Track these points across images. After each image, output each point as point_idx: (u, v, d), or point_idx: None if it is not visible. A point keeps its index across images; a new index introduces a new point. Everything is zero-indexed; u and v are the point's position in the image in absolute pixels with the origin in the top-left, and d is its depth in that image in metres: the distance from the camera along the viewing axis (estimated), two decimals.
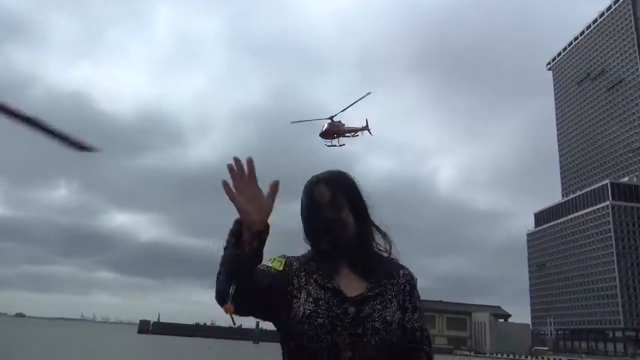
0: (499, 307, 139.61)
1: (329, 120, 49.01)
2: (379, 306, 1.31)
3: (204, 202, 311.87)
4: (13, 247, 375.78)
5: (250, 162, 1.18)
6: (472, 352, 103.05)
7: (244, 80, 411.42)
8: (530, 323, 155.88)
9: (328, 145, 49.29)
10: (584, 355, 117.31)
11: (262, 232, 1.22)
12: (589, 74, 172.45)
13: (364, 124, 49.74)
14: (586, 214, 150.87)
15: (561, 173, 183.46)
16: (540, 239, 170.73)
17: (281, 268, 1.39)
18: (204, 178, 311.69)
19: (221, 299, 1.28)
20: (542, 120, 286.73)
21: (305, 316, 1.30)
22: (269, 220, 1.23)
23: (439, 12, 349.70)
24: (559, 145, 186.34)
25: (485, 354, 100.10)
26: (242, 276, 1.22)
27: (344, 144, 49.42)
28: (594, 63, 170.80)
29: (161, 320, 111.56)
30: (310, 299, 1.33)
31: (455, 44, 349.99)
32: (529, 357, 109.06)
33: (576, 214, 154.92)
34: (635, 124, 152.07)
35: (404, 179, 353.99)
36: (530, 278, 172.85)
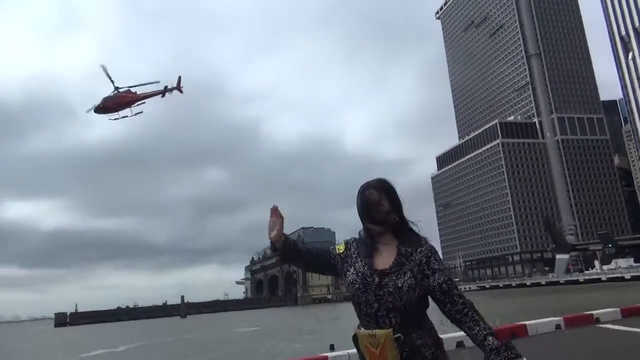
0: None
1: (110, 94, 48.16)
2: (394, 277, 2.06)
3: (107, 180, 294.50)
4: None
5: (275, 207, 2.17)
6: None
7: (139, 47, 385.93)
8: None
9: (112, 119, 48.99)
10: (489, 280, 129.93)
11: (275, 243, 2.18)
12: (473, 22, 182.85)
13: (173, 85, 50.10)
14: (480, 153, 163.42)
15: (456, 117, 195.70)
16: (443, 180, 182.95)
17: (341, 250, 2.25)
18: (105, 155, 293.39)
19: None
20: (436, 68, 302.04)
21: (350, 282, 2.14)
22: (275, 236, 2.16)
23: None
24: (452, 91, 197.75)
25: None
26: (287, 260, 2.26)
27: (141, 112, 49.34)
28: (477, 11, 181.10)
29: (79, 310, 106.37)
30: (354, 271, 2.15)
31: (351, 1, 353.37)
32: None
33: (472, 154, 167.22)
34: (517, 65, 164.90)
35: (316, 137, 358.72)
36: (437, 217, 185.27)
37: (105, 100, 47.94)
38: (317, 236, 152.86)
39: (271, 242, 2.19)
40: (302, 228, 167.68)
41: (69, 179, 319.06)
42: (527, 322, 9.81)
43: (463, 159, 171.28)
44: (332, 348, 8.64)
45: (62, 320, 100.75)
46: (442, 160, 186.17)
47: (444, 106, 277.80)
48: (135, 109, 48.56)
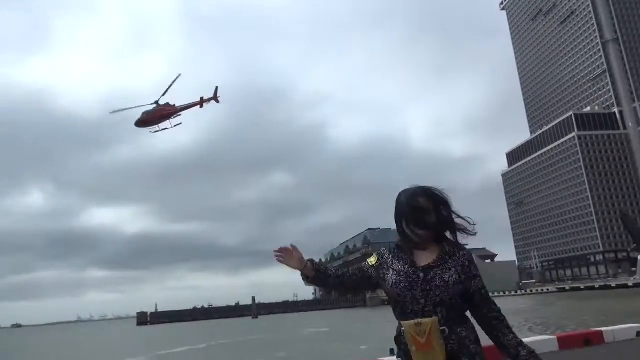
0: (483, 248, 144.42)
1: (152, 106, 49.23)
2: (439, 271, 2.09)
3: (181, 187, 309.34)
4: None
5: (294, 247, 2.27)
6: None
7: (203, 57, 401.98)
8: (516, 259, 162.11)
9: (153, 132, 50.30)
10: (569, 282, 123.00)
11: (304, 272, 2.29)
12: (541, 10, 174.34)
13: (210, 96, 51.07)
14: (554, 147, 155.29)
15: (527, 111, 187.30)
16: (515, 177, 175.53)
17: (374, 262, 2.27)
18: (178, 163, 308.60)
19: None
20: (503, 61, 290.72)
21: (393, 283, 2.14)
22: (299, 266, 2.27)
23: None
24: (521, 83, 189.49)
25: None
26: (321, 286, 2.35)
27: (179, 123, 50.63)
28: None
29: (159, 310, 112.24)
30: (394, 272, 2.16)
31: None
32: (518, 292, 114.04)
33: (545, 149, 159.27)
34: (591, 53, 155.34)
35: (379, 137, 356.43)
36: (510, 216, 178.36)
37: (147, 114, 49.36)
38: (384, 237, 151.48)
39: (300, 272, 2.29)
40: (369, 229, 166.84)
41: (147, 186, 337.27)
42: (603, 329, 9.41)
43: (536, 154, 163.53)
44: (392, 352, 8.75)
45: (143, 319, 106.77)
46: (513, 156, 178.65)
47: (512, 100, 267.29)
48: (174, 120, 50.08)
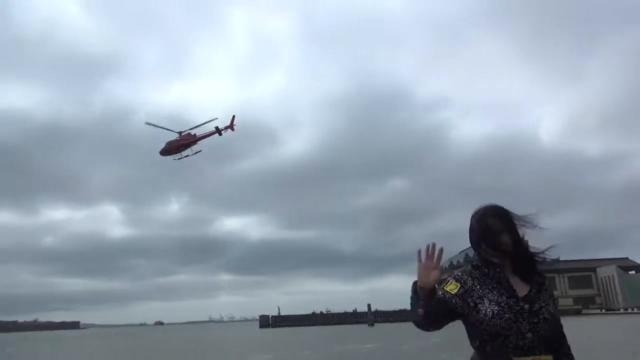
0: (626, 258, 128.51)
1: (175, 137, 53.48)
2: (543, 303, 1.98)
3: (303, 195, 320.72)
4: (144, 263, 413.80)
5: (439, 250, 1.98)
6: (602, 310, 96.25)
7: (322, 69, 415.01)
8: None
9: (176, 159, 54.56)
10: None
11: (429, 294, 1.98)
12: None
13: (227, 124, 54.43)
14: None
15: None
16: None
17: (456, 290, 2.05)
18: (299, 171, 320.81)
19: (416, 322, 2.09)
20: None
21: (495, 314, 1.94)
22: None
23: None
24: None
25: (618, 310, 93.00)
26: (423, 311, 2.01)
27: (199, 150, 54.55)
28: None
29: (281, 314, 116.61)
30: (494, 303, 1.97)
31: None
32: None
33: None
34: None
35: (503, 138, 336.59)
36: None
37: (169, 143, 53.94)
38: None
39: (421, 290, 1.98)
40: None
41: (269, 195, 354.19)
42: None
43: None
44: None
45: (265, 322, 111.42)
46: None
47: None
48: (195, 148, 54.25)
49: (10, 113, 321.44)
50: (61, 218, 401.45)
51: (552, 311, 1.95)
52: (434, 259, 1.98)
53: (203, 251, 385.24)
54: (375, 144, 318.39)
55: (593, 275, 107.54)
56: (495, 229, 2.03)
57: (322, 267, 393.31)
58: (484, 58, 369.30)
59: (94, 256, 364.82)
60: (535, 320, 1.92)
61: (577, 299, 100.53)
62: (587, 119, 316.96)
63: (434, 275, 1.96)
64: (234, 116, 56.29)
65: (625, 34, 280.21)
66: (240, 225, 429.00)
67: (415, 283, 2.01)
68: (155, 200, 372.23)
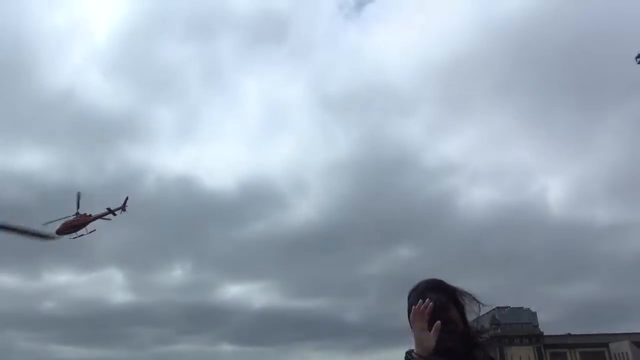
0: None
1: (71, 217, 57.07)
2: None
3: (308, 262, 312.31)
4: (142, 331, 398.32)
5: (430, 307, 1.78)
6: None
7: (330, 135, 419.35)
8: None
9: (72, 238, 57.57)
10: None
11: (422, 354, 1.78)
12: None
13: (118, 206, 58.04)
14: None
15: None
16: None
17: None
18: (307, 237, 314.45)
19: None
20: None
21: None
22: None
23: (514, 24, 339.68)
24: None
25: None
26: None
27: (94, 230, 58.81)
28: None
29: None
30: None
31: (536, 56, 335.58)
32: None
33: None
34: None
35: (511, 206, 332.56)
36: None
37: (64, 224, 56.85)
38: (514, 317, 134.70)
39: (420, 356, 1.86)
40: (497, 307, 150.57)
41: (275, 261, 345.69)
42: None
43: None
44: None
45: None
46: None
47: None
48: (89, 227, 57.78)
49: (26, 175, 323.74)
50: (63, 283, 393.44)
51: None
52: (425, 316, 1.78)
53: (205, 319, 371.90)
54: (383, 211, 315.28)
55: (606, 351, 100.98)
56: (441, 305, 1.86)
57: (326, 338, 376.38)
58: (492, 127, 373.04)
59: (94, 323, 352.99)
60: None
61: None
62: (596, 187, 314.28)
63: (432, 334, 1.78)
64: (127, 198, 59.81)
65: (631, 102, 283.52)
66: (244, 292, 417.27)
67: (408, 353, 1.86)
68: (159, 265, 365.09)
